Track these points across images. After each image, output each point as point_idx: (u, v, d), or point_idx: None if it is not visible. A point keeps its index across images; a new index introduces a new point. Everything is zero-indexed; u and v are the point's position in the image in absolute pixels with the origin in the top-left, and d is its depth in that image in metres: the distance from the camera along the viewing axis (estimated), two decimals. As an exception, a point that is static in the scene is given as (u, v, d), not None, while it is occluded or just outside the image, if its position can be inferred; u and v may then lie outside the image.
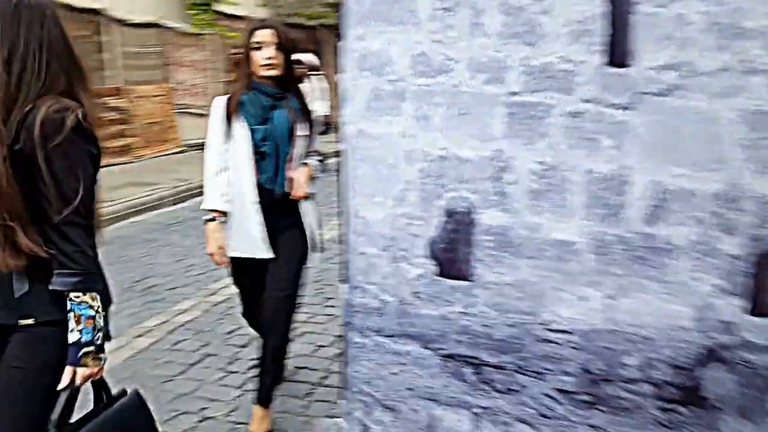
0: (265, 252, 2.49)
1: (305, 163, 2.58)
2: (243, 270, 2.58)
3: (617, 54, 1.24)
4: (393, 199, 1.47)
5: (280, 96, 2.49)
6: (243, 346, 3.25)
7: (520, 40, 1.30)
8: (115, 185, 7.57)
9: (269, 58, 2.41)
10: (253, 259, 2.49)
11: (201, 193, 8.09)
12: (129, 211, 6.92)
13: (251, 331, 3.37)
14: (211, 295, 4.13)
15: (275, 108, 2.49)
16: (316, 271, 4.62)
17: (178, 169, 9.10)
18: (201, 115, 11.65)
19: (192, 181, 8.10)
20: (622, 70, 1.24)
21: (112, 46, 10.01)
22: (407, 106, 1.44)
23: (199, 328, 3.54)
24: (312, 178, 2.61)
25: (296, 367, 3.05)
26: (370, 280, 1.51)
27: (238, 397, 2.76)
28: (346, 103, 1.60)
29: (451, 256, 1.39)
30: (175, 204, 7.56)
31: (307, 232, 2.62)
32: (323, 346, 3.28)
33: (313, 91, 9.54)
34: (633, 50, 1.23)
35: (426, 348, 1.45)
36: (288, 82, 2.50)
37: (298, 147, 2.53)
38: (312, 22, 15.04)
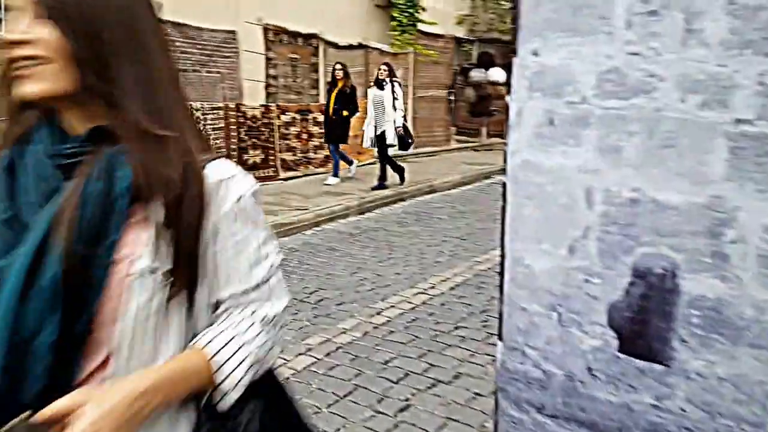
0: None
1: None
2: None
3: None
4: (566, 248, 1.15)
5: (73, 153, 0.92)
6: (395, 382, 3.03)
7: (754, 50, 0.93)
8: (314, 194, 8.04)
9: (21, 44, 0.87)
10: None
11: (386, 204, 8.14)
12: (319, 219, 7.28)
13: (407, 363, 3.17)
14: (375, 314, 4.01)
15: (55, 193, 0.89)
16: (483, 299, 4.31)
17: (367, 179, 9.43)
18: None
19: (377, 192, 8.47)
20: None
21: (323, 67, 10.80)
22: (590, 135, 1.13)
23: (357, 352, 3.41)
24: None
25: (447, 418, 2.75)
26: (531, 344, 1.21)
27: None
28: (513, 129, 1.31)
29: (641, 329, 1.04)
30: (360, 213, 7.88)
31: None
32: (481, 396, 2.91)
33: (394, 100, 8.95)
34: None
35: (600, 440, 1.11)
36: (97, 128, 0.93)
37: (129, 315, 0.88)
38: (508, 37, 15.13)
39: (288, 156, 9.68)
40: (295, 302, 4.21)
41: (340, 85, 9.17)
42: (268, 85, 10.11)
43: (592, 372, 1.11)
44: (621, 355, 1.07)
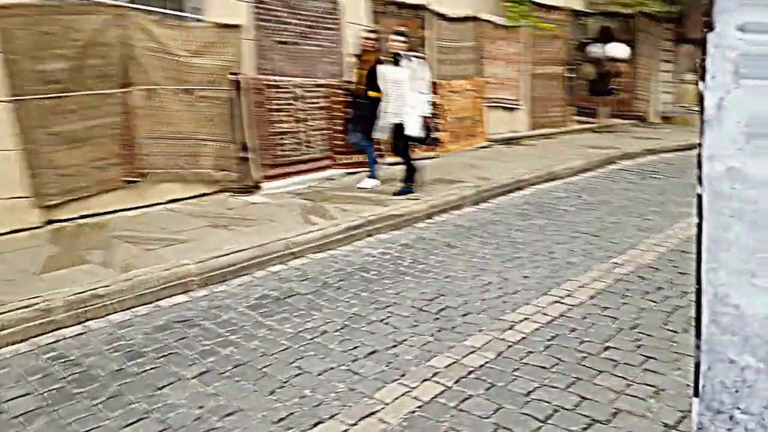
0: None
1: None
2: None
3: None
4: (792, 285, 0.98)
5: None
6: (543, 421, 2.83)
7: None
8: (424, 181, 7.91)
9: None
10: None
11: (504, 193, 7.93)
12: (432, 210, 7.16)
13: (554, 395, 2.96)
14: (507, 329, 3.84)
15: None
16: (631, 312, 4.01)
17: (481, 165, 9.18)
18: (510, 108, 11.98)
19: (495, 180, 8.23)
20: None
21: (431, 41, 10.70)
22: (826, 137, 0.95)
23: (492, 379, 3.24)
24: None
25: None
26: (743, 407, 1.05)
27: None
28: (709, 127, 1.14)
29: None
30: (475, 204, 7.69)
31: None
32: (642, 442, 2.64)
33: (415, 80, 7.55)
34: None
35: None
36: None
37: None
38: (629, 11, 14.66)
39: (395, 139, 9.62)
40: (414, 311, 4.11)
41: (371, 59, 8.04)
42: (372, 61, 10.05)
43: (837, 452, 0.93)
44: None
